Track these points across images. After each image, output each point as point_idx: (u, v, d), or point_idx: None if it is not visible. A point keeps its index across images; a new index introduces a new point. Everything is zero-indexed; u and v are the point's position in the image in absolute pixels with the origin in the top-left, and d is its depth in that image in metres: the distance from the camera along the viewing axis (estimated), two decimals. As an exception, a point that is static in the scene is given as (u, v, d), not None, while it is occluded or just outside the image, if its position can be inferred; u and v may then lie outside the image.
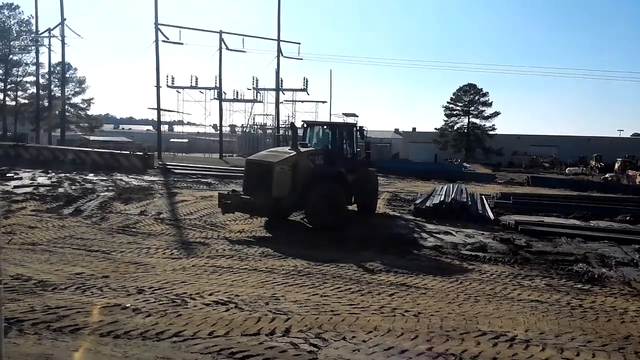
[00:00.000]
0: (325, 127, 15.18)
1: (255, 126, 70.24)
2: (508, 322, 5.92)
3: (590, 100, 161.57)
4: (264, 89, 61.36)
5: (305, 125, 14.97)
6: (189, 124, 71.56)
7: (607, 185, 30.55)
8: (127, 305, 5.91)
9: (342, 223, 12.26)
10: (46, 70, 53.26)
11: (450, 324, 5.73)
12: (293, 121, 13.89)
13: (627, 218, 15.11)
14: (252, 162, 12.78)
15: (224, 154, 51.73)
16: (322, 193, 12.06)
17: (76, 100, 63.18)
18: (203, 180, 23.62)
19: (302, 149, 12.92)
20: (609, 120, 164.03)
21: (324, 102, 71.58)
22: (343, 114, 73.27)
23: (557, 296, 7.15)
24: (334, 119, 60.40)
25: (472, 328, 5.63)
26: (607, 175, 39.48)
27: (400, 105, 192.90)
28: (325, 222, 11.91)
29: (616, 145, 62.93)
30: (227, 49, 50.08)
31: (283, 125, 60.93)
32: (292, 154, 12.40)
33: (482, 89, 70.23)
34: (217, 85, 52.71)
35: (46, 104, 54.12)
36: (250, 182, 12.41)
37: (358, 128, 14.81)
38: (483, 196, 18.66)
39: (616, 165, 45.62)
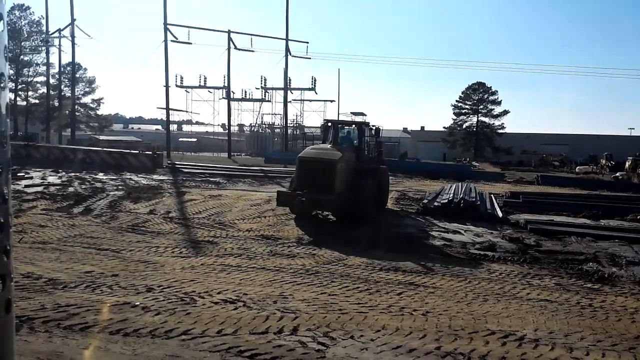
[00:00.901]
0: (353, 126, 15.95)
1: (264, 125, 70.40)
2: (517, 321, 5.89)
3: (601, 99, 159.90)
4: (273, 89, 61.50)
5: (329, 124, 15.71)
6: (197, 123, 71.92)
7: (618, 184, 30.24)
8: (136, 303, 5.95)
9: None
10: (56, 70, 53.82)
11: (459, 323, 5.72)
12: (326, 119, 15.44)
13: (638, 217, 14.96)
14: (308, 160, 12.79)
15: (232, 153, 51.88)
16: (369, 187, 13.02)
17: (86, 100, 63.61)
18: (212, 179, 23.68)
19: (344, 147, 13.73)
20: (619, 119, 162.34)
21: (332, 101, 71.70)
22: (351, 112, 73.15)
23: (567, 295, 7.11)
24: (342, 118, 60.31)
25: (480, 327, 5.61)
26: (617, 174, 39.06)
27: (409, 104, 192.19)
28: (371, 213, 12.81)
29: (627, 144, 62.32)
30: (236, 48, 50.19)
31: (291, 125, 61.01)
32: (342, 152, 12.99)
33: (491, 87, 69.86)
34: (226, 84, 52.84)
35: (56, 103, 54.56)
36: (306, 179, 12.49)
37: (374, 127, 15.41)
38: (492, 195, 18.56)
39: (627, 164, 45.04)
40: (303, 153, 13.39)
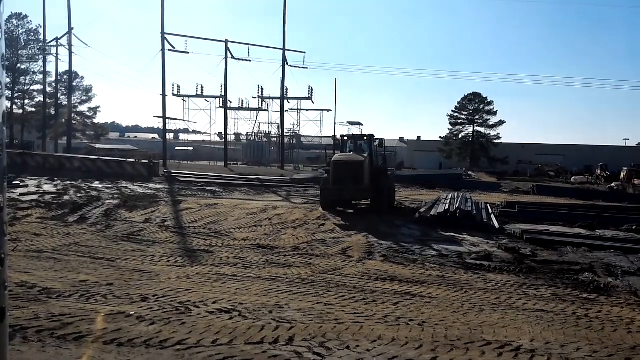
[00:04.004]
0: (365, 138, 19.44)
1: (260, 134, 70.50)
2: (513, 331, 5.87)
3: (596, 109, 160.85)
4: (269, 98, 61.68)
5: (345, 138, 20.08)
6: (194, 132, 71.98)
7: (613, 194, 30.38)
8: (131, 313, 5.91)
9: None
10: (53, 78, 53.88)
11: (455, 334, 5.70)
12: (342, 134, 21.75)
13: (633, 227, 14.99)
14: (342, 162, 16.84)
15: (228, 162, 51.87)
16: (387, 184, 17.23)
17: (82, 108, 63.60)
18: (208, 188, 23.67)
19: (364, 154, 17.50)
20: (614, 129, 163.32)
21: (328, 110, 71.97)
22: (348, 122, 73.55)
23: (563, 306, 7.10)
24: (339, 128, 60.62)
25: (477, 337, 5.59)
26: (612, 184, 39.25)
27: (405, 114, 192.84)
28: (384, 206, 16.48)
29: (622, 154, 62.64)
30: (233, 57, 50.36)
31: (288, 134, 61.04)
32: (364, 157, 16.87)
33: (487, 97, 70.32)
34: (223, 93, 53.01)
35: (53, 112, 54.53)
36: (341, 177, 16.31)
37: (377, 140, 18.91)
38: (488, 205, 18.60)
39: (622, 174, 45.25)
40: (335, 158, 17.32)
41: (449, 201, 17.45)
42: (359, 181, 16.16)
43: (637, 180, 39.17)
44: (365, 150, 18.28)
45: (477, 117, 70.59)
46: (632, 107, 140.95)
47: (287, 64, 50.41)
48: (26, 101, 60.64)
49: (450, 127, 72.31)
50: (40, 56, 54.50)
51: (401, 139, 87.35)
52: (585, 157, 63.28)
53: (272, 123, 67.57)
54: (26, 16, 57.84)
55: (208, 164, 53.04)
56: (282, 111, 54.04)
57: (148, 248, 10.11)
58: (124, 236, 11.22)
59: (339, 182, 16.25)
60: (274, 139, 67.91)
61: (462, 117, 71.56)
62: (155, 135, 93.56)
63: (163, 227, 12.52)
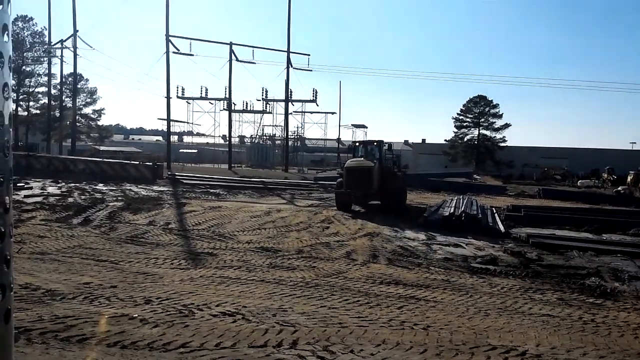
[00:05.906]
0: (375, 143, 20.77)
1: (264, 137, 70.57)
2: (519, 336, 5.82)
3: (603, 113, 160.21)
4: (274, 100, 61.75)
5: (357, 144, 22.04)
6: (198, 134, 72.14)
7: (620, 198, 30.18)
8: (134, 315, 5.89)
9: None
10: (58, 81, 54.16)
11: (460, 338, 5.65)
12: (354, 140, 24.34)
13: (640, 231, 14.89)
14: (353, 167, 18.24)
15: (232, 165, 51.91)
16: (395, 186, 18.63)
17: (87, 110, 63.97)
18: (212, 190, 23.68)
19: (372, 159, 19.08)
20: (621, 133, 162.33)
21: (333, 113, 71.86)
22: (352, 125, 73.61)
23: (569, 310, 7.04)
24: (344, 131, 60.67)
25: (482, 342, 5.54)
26: (619, 188, 38.99)
27: (410, 117, 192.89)
28: (394, 206, 17.92)
29: (628, 158, 62.28)
30: (237, 60, 50.48)
31: (292, 136, 61.08)
32: (373, 163, 18.51)
33: (492, 100, 70.08)
34: (227, 96, 53.07)
35: (57, 114, 54.79)
36: (352, 181, 17.88)
37: (386, 144, 20.32)
38: (493, 208, 18.52)
39: (628, 178, 44.93)
40: (348, 164, 18.77)
41: (454, 205, 17.39)
42: (369, 185, 17.70)
43: (644, 184, 38.92)
44: (375, 155, 19.79)
45: (482, 120, 70.39)
46: (639, 110, 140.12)
47: (292, 66, 50.52)
48: (31, 103, 61.13)
49: (456, 130, 72.14)
50: (45, 58, 54.94)
51: (406, 142, 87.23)
52: (592, 160, 62.89)
53: (276, 125, 67.74)
54: (31, 18, 58.35)
55: (212, 167, 53.09)
56: (287, 114, 54.08)
57: (152, 250, 10.10)
58: (127, 238, 11.22)
59: (351, 186, 17.87)
60: (278, 142, 67.92)
61: (468, 120, 71.35)
62: (160, 138, 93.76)
63: (167, 230, 12.51)
